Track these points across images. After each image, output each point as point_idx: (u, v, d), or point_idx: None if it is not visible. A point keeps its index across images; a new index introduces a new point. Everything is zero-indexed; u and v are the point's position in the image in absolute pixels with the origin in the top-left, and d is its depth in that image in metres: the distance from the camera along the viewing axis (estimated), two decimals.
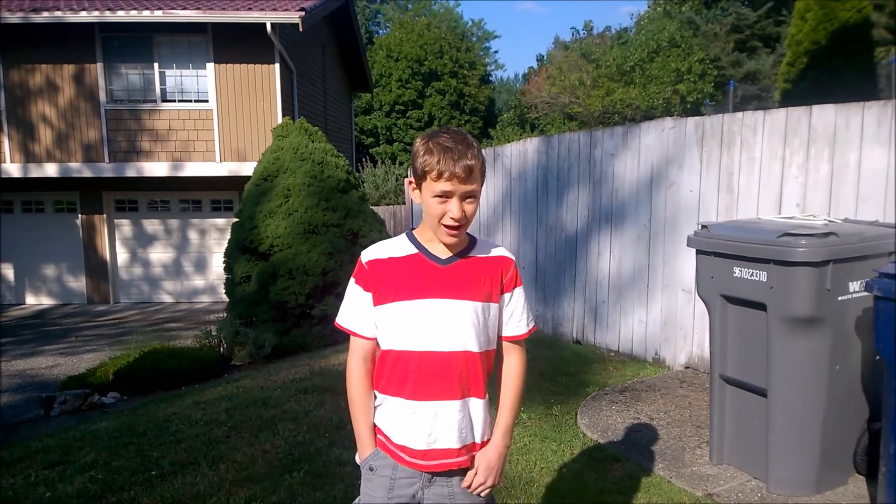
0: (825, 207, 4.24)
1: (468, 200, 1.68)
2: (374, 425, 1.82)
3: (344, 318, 1.84)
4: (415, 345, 1.72)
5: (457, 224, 1.67)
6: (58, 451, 4.11)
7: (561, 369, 5.38)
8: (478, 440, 1.80)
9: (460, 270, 1.75)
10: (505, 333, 1.85)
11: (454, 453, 1.75)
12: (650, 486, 3.35)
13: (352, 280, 1.83)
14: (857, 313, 3.07)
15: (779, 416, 3.12)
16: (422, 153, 1.68)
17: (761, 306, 3.12)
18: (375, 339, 1.81)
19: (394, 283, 1.74)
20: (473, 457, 1.79)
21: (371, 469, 1.78)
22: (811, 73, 8.64)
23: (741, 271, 3.20)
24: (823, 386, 3.04)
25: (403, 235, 1.83)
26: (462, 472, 1.78)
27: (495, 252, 1.82)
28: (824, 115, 4.26)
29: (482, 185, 1.73)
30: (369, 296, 1.78)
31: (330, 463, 3.66)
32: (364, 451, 1.80)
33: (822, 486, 3.14)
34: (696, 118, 5.15)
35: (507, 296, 1.82)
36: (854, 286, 3.03)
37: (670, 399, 4.61)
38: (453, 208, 1.66)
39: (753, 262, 3.12)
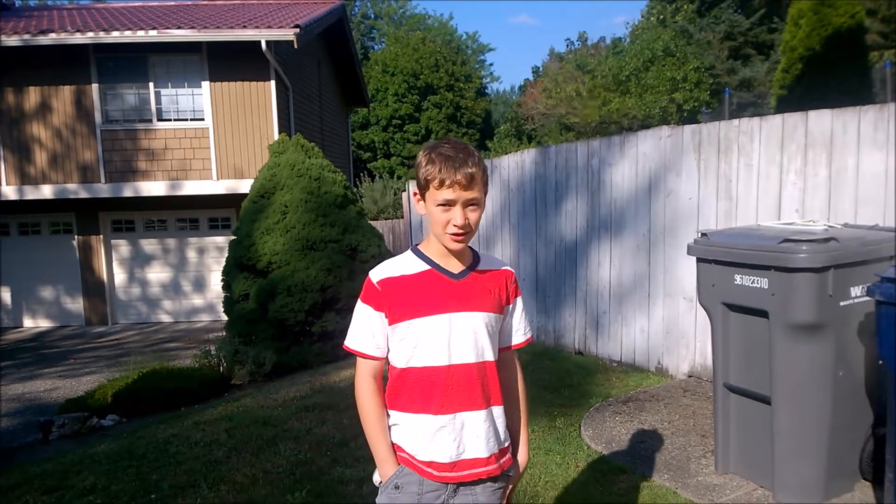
0: (824, 212, 4.23)
1: (471, 208, 1.72)
2: (393, 444, 1.81)
3: (354, 341, 1.83)
4: (439, 359, 1.74)
5: (461, 231, 1.71)
6: (56, 476, 4.06)
7: (564, 381, 5.34)
8: (503, 445, 1.85)
9: (473, 284, 1.80)
10: (509, 343, 1.93)
11: (482, 462, 1.78)
12: (656, 497, 3.31)
13: (359, 302, 1.82)
14: (859, 318, 3.05)
15: (783, 423, 3.09)
16: (424, 164, 1.72)
17: (763, 313, 3.10)
18: (384, 358, 1.82)
19: (410, 300, 1.75)
20: (501, 466, 1.83)
21: (397, 487, 1.77)
22: (806, 78, 8.67)
23: (742, 279, 3.18)
24: (827, 392, 3.01)
25: (409, 252, 1.84)
26: (488, 480, 1.81)
27: (498, 266, 1.90)
28: (821, 120, 4.26)
29: (486, 193, 1.76)
30: (381, 315, 1.77)
31: (332, 482, 3.62)
32: (387, 470, 1.79)
33: (829, 493, 3.11)
34: (693, 126, 5.15)
35: (509, 307, 1.90)
36: (856, 291, 3.01)
37: (674, 408, 4.57)
38: (457, 216, 1.69)
39: (754, 269, 3.11)
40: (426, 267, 1.79)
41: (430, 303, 1.75)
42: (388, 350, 1.81)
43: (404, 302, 1.75)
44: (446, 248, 1.76)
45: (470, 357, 1.76)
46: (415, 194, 1.79)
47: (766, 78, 18.09)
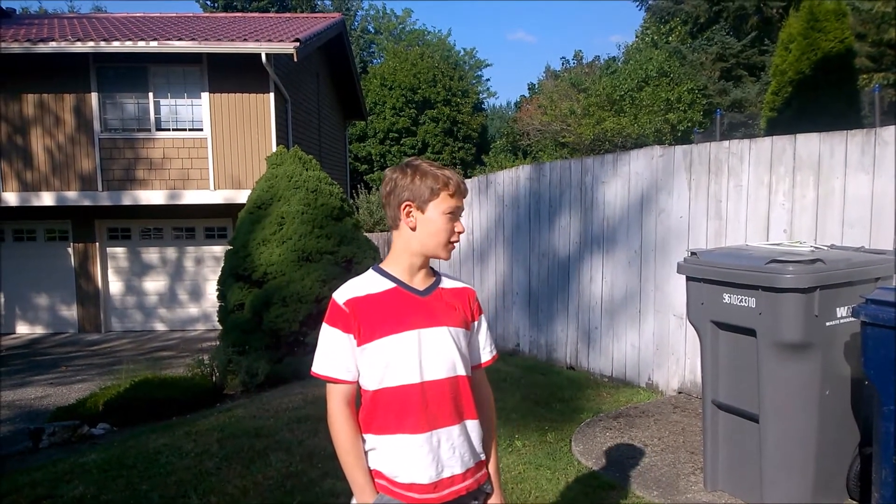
0: (812, 234, 4.30)
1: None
2: (371, 470, 1.75)
3: (322, 366, 1.75)
4: (412, 377, 1.72)
5: (458, 239, 1.79)
6: (45, 485, 4.05)
7: (555, 395, 5.37)
8: (479, 459, 1.83)
9: (438, 300, 1.81)
10: (477, 361, 1.92)
11: (459, 479, 1.76)
12: None
13: (325, 325, 1.76)
14: (845, 338, 3.10)
15: (771, 441, 3.13)
16: (419, 177, 1.73)
17: (751, 332, 3.15)
18: (356, 382, 1.76)
19: (378, 319, 1.72)
20: (477, 480, 1.81)
21: None
22: (796, 101, 8.78)
23: (730, 297, 3.24)
24: (814, 411, 3.06)
25: (371, 271, 1.82)
26: (468, 496, 1.79)
27: (460, 284, 1.92)
28: (808, 143, 4.34)
29: None
30: (350, 337, 1.73)
31: (323, 494, 3.63)
32: (365, 498, 1.72)
33: None
34: (685, 146, 5.24)
35: (475, 324, 1.90)
36: (842, 312, 3.06)
37: (664, 425, 4.60)
38: (460, 224, 1.78)
39: (742, 288, 3.16)
40: (392, 285, 1.77)
41: (398, 320, 1.72)
42: (359, 373, 1.75)
43: (373, 321, 1.71)
44: (442, 258, 1.81)
45: (442, 372, 1.74)
46: (405, 207, 1.75)
47: (757, 99, 18.25)
